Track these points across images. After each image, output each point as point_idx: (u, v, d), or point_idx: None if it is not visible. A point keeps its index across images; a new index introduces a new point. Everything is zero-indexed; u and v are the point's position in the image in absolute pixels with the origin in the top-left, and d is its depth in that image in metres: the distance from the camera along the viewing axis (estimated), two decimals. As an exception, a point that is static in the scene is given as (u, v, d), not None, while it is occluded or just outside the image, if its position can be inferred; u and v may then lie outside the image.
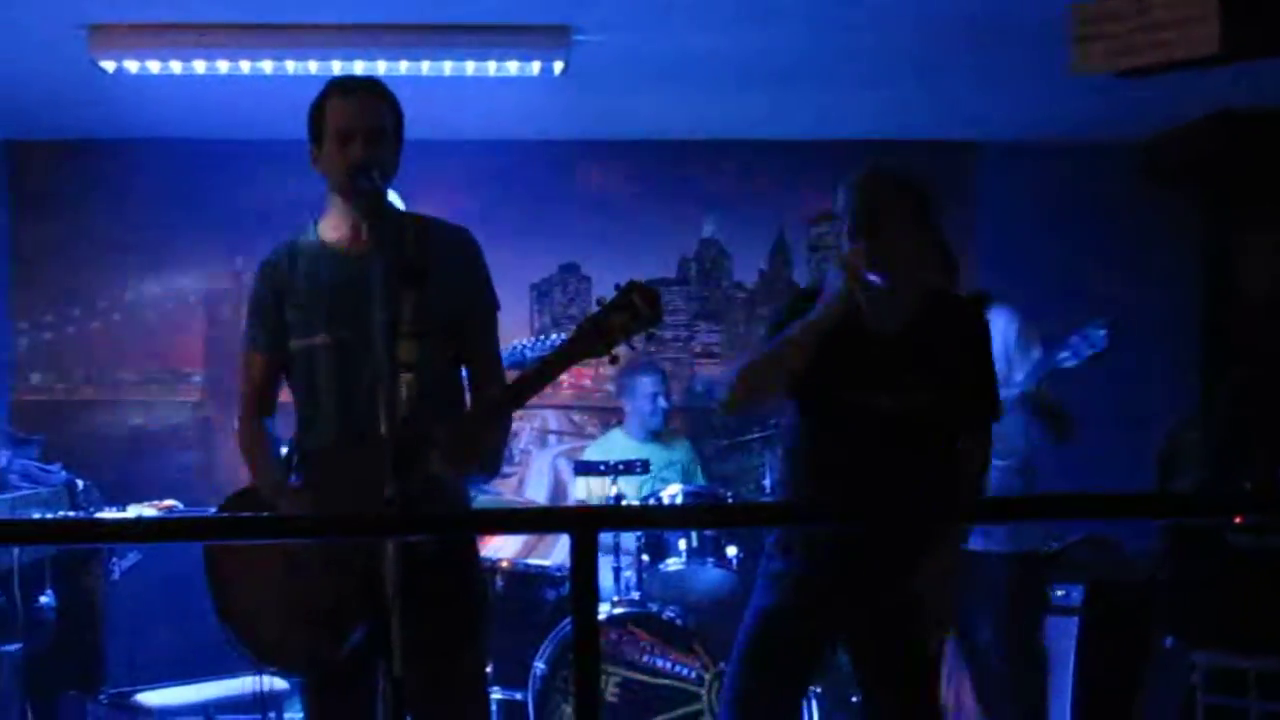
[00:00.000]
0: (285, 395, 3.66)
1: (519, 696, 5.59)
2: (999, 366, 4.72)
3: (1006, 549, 4.81)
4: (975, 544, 4.73)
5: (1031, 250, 7.06)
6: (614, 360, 3.39)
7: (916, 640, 3.79)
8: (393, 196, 4.64)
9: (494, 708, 5.53)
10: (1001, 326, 4.79)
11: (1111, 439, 4.92)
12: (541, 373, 3.42)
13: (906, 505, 3.51)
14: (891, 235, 3.65)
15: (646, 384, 6.62)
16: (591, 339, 3.33)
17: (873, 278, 3.64)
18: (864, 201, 3.68)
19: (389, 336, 3.08)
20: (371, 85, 3.52)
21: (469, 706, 3.58)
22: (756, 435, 6.87)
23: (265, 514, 3.43)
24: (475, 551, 3.69)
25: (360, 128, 3.43)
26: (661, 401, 6.62)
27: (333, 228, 3.56)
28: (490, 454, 3.54)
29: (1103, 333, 4.57)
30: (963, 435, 3.87)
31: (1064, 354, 4.60)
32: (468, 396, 3.63)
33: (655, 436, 6.68)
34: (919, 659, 3.82)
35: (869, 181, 3.71)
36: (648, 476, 6.18)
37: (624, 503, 5.86)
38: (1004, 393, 4.66)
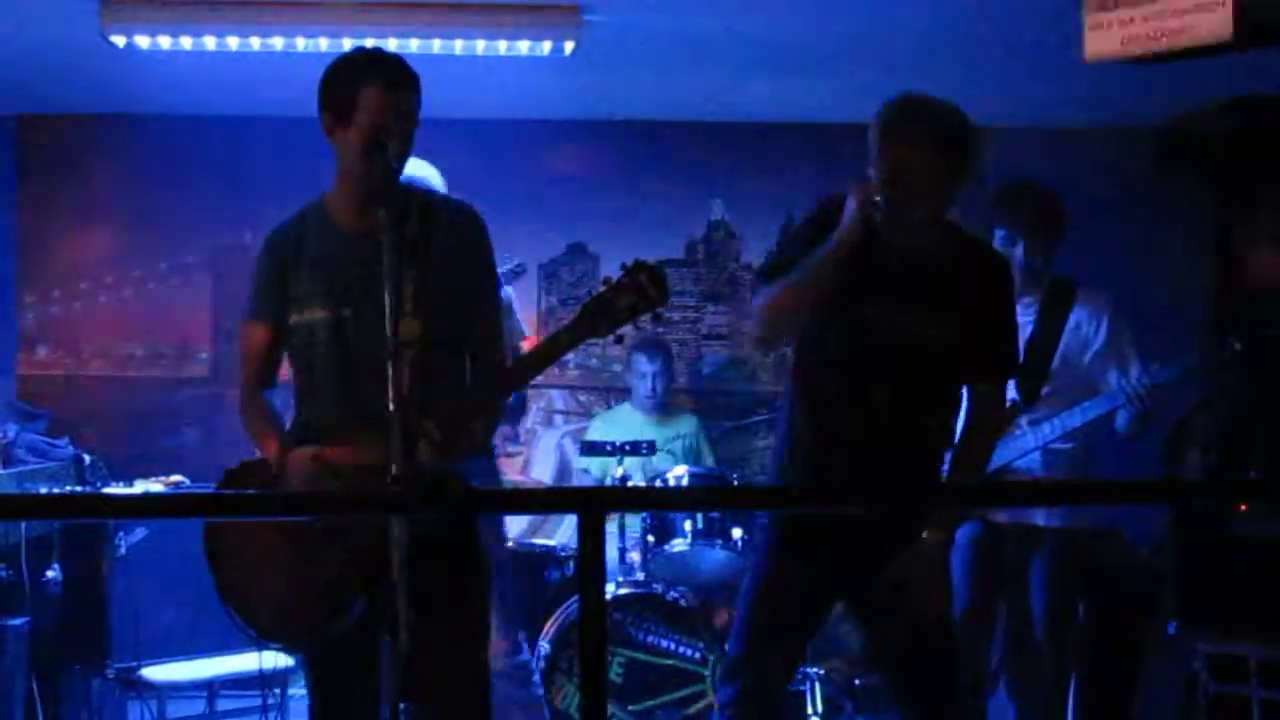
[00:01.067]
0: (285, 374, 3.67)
1: (523, 675, 5.60)
2: (1085, 354, 4.75)
3: (1058, 524, 4.82)
4: (1036, 519, 4.80)
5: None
6: (619, 340, 3.38)
7: (915, 616, 3.80)
8: (430, 172, 4.60)
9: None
10: (1093, 312, 4.80)
11: (1125, 437, 4.93)
12: (545, 353, 3.42)
13: (908, 488, 3.54)
14: (908, 165, 3.63)
15: (642, 361, 6.62)
16: (597, 319, 3.32)
17: (881, 204, 3.62)
18: (885, 129, 3.68)
19: (392, 314, 3.08)
20: (413, 82, 3.43)
21: (472, 683, 3.59)
22: (762, 417, 6.89)
23: (271, 490, 3.43)
24: (477, 530, 3.68)
25: (398, 130, 3.37)
26: (658, 382, 6.60)
27: (340, 203, 3.54)
28: (480, 438, 3.53)
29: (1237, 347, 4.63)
30: (978, 386, 3.88)
31: (1160, 376, 4.63)
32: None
33: (661, 412, 6.69)
34: (925, 633, 3.83)
35: (895, 110, 3.71)
36: (653, 454, 6.19)
37: (629, 483, 5.87)
38: (1105, 393, 4.73)
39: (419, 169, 4.63)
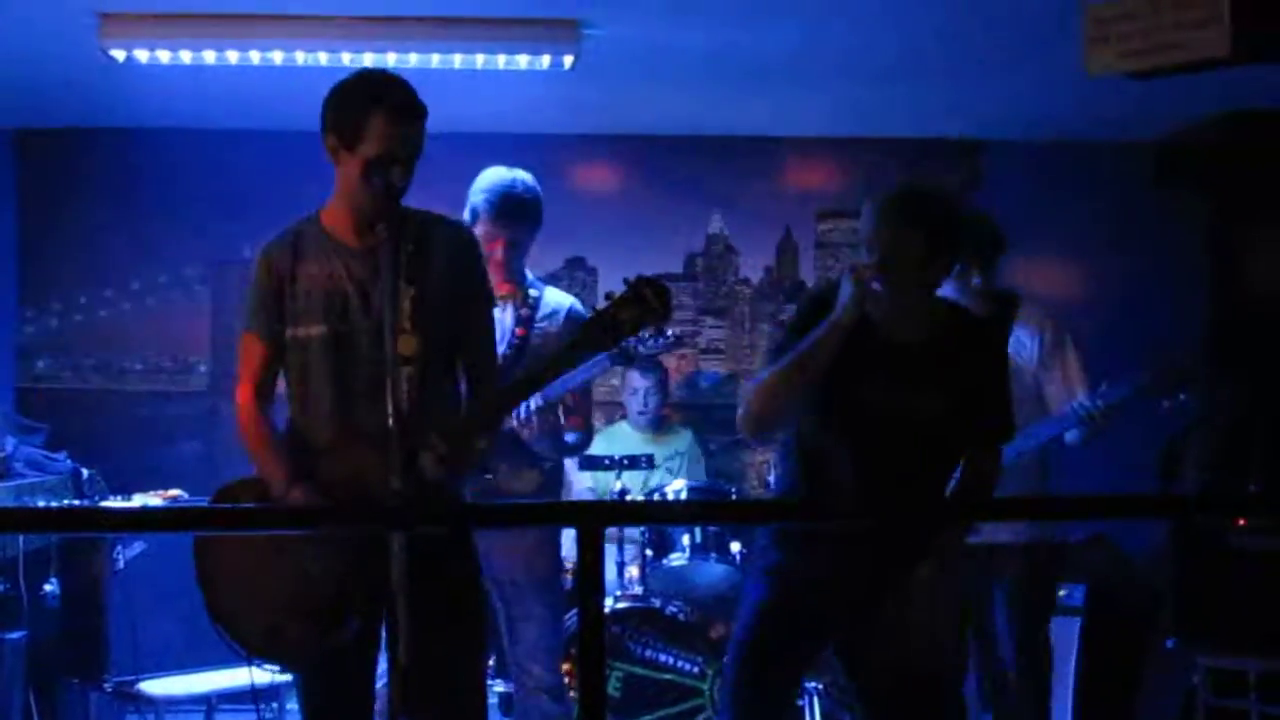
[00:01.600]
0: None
1: (521, 690, 5.59)
2: (1030, 369, 4.79)
3: (1017, 539, 4.82)
4: (992, 536, 4.78)
5: (1038, 250, 7.06)
6: (624, 354, 3.40)
7: (910, 664, 3.81)
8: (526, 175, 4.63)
9: (495, 700, 5.54)
10: (1033, 328, 4.83)
11: (1116, 438, 4.93)
12: (549, 366, 3.43)
13: (907, 506, 3.55)
14: (904, 255, 3.71)
15: (635, 377, 6.63)
16: (600, 333, 3.33)
17: (877, 287, 3.69)
18: (880, 215, 3.74)
19: (389, 331, 3.08)
20: (421, 111, 3.42)
21: (468, 699, 3.58)
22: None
23: (269, 504, 3.43)
24: (474, 544, 3.68)
25: (404, 157, 3.38)
26: (650, 399, 6.62)
27: (338, 220, 3.54)
28: (483, 454, 3.53)
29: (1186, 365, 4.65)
30: (974, 450, 3.91)
31: (1111, 395, 4.66)
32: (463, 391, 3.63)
33: (656, 428, 6.69)
34: (917, 684, 3.85)
35: (890, 197, 3.78)
36: (652, 470, 6.19)
37: (628, 498, 5.87)
38: (1043, 404, 4.79)
39: (519, 173, 4.75)
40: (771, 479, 6.37)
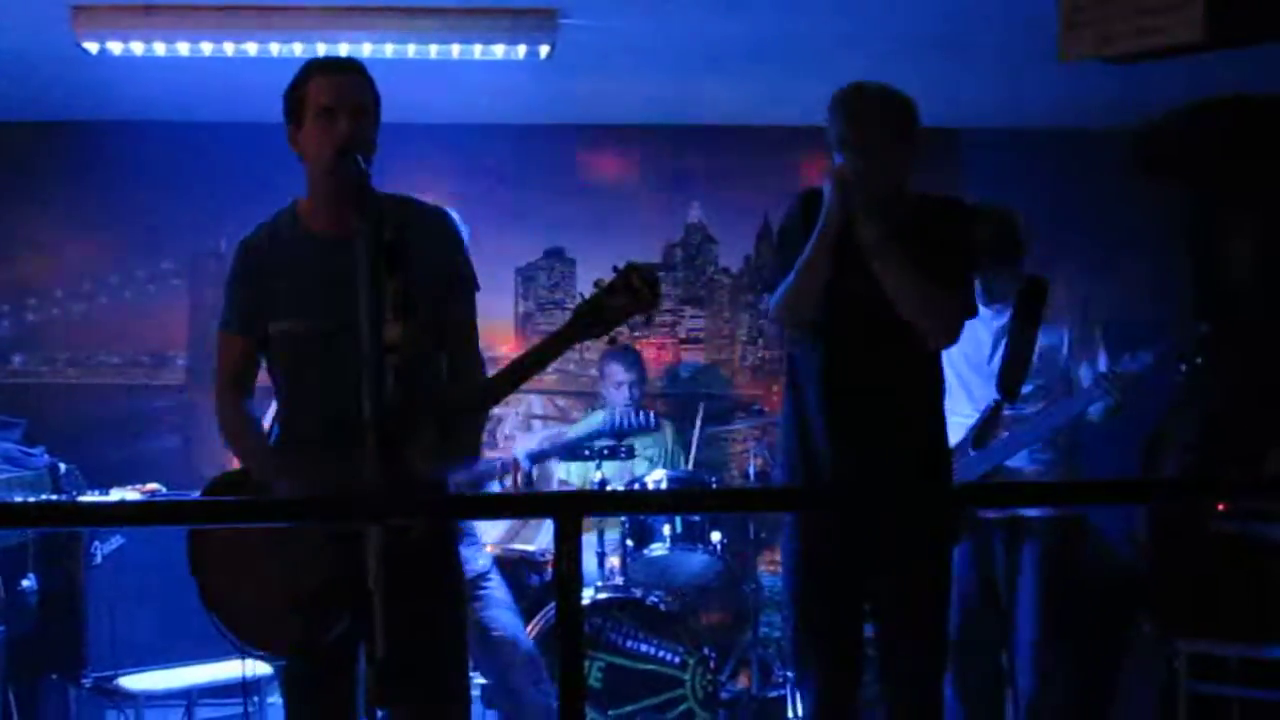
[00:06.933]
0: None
1: (502, 681, 5.58)
2: (1057, 355, 4.96)
3: (1044, 513, 4.87)
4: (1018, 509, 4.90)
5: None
6: (612, 342, 3.40)
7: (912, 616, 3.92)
8: None
9: (476, 692, 5.54)
10: (1065, 318, 4.98)
11: (1099, 425, 4.96)
12: (539, 355, 3.41)
13: (893, 491, 3.56)
14: (874, 147, 3.88)
15: (619, 371, 6.59)
16: (589, 321, 3.32)
17: (854, 175, 3.84)
18: (850, 117, 3.93)
19: (373, 320, 3.07)
20: (353, 64, 3.50)
21: (449, 691, 3.57)
22: (741, 423, 6.89)
23: (248, 497, 3.42)
24: (456, 536, 3.68)
25: (345, 105, 3.40)
26: (635, 391, 6.60)
27: (313, 210, 3.53)
28: (472, 445, 3.53)
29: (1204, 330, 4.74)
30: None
31: (1134, 365, 4.73)
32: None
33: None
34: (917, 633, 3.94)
35: (854, 98, 3.96)
36: (631, 459, 6.19)
37: (608, 488, 5.86)
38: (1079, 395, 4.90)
39: None
40: (752, 470, 6.38)
